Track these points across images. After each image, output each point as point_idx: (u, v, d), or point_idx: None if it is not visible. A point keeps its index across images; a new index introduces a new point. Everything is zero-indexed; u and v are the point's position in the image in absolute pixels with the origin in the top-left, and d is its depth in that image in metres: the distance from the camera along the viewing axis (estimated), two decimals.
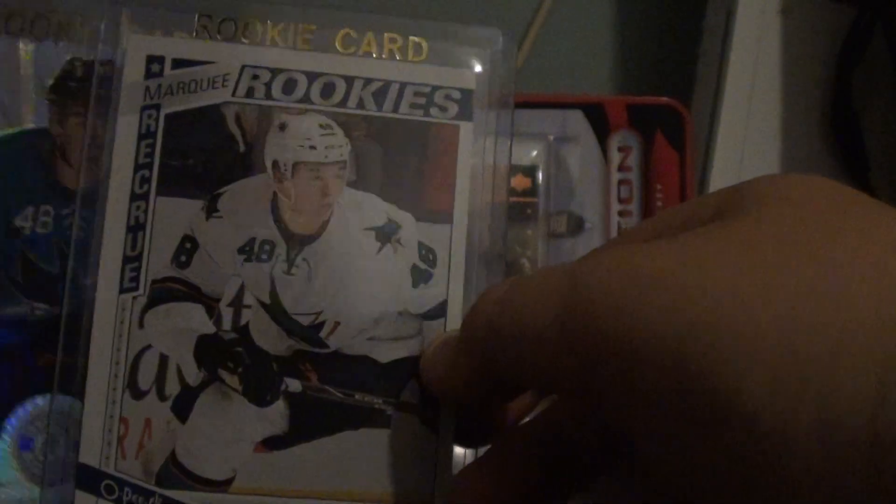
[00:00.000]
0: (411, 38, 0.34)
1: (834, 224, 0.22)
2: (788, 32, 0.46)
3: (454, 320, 0.32)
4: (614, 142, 0.40)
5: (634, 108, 0.41)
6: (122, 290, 0.31)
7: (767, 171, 0.44)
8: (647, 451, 0.24)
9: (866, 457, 0.19)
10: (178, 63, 0.33)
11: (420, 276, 0.33)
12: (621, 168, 0.40)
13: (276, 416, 0.31)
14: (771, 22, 0.46)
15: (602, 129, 0.41)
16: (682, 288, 0.21)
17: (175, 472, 0.30)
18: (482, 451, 0.31)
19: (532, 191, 0.39)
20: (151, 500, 0.30)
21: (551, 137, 0.40)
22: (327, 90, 0.33)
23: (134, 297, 0.31)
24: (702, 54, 0.49)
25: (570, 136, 0.40)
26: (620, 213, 0.40)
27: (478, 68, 0.34)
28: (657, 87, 0.50)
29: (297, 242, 0.32)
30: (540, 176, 0.39)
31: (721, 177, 0.44)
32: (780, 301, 0.20)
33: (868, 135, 0.47)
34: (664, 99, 0.41)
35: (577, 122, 0.40)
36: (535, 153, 0.39)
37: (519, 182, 0.39)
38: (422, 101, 0.34)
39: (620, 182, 0.40)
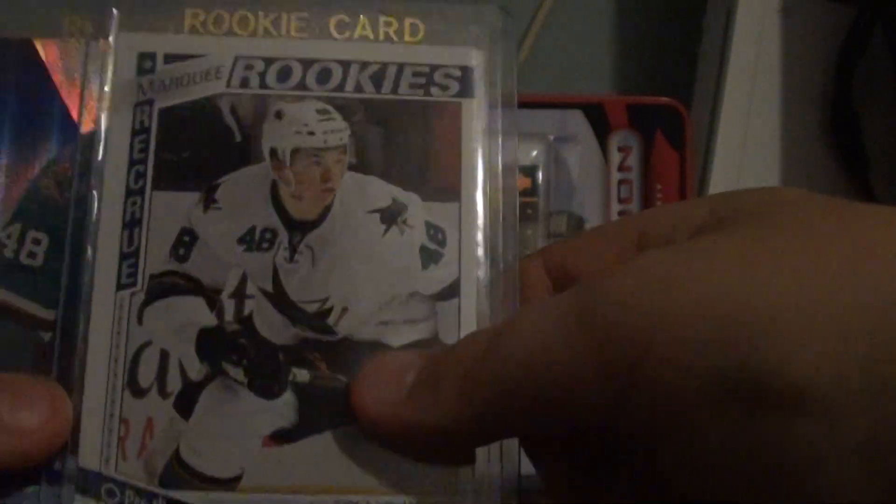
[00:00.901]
0: (407, 19, 0.33)
1: (851, 217, 0.23)
2: (788, 32, 0.46)
3: (468, 300, 0.31)
4: (614, 142, 0.40)
5: (634, 108, 0.41)
6: (119, 287, 0.30)
7: (767, 171, 0.45)
8: (680, 453, 0.23)
9: None
10: (171, 58, 0.32)
11: (430, 257, 0.31)
12: (621, 168, 0.40)
13: (284, 408, 0.29)
14: (771, 21, 0.46)
15: (602, 129, 0.40)
16: (718, 280, 0.22)
17: (179, 472, 0.29)
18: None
19: (532, 191, 0.39)
20: (155, 502, 0.28)
21: (551, 137, 0.39)
22: (323, 76, 0.32)
23: (132, 294, 0.30)
24: (702, 54, 0.48)
25: (570, 136, 0.40)
26: (620, 213, 0.40)
27: (478, 45, 0.33)
28: (657, 87, 0.50)
29: (299, 229, 0.31)
30: (540, 176, 0.39)
31: (721, 177, 0.44)
32: (816, 282, 0.21)
33: (868, 135, 0.47)
34: (664, 99, 0.41)
35: (577, 122, 0.40)
36: (535, 153, 0.39)
37: (519, 182, 0.38)
38: (421, 80, 0.33)
39: (620, 182, 0.40)
